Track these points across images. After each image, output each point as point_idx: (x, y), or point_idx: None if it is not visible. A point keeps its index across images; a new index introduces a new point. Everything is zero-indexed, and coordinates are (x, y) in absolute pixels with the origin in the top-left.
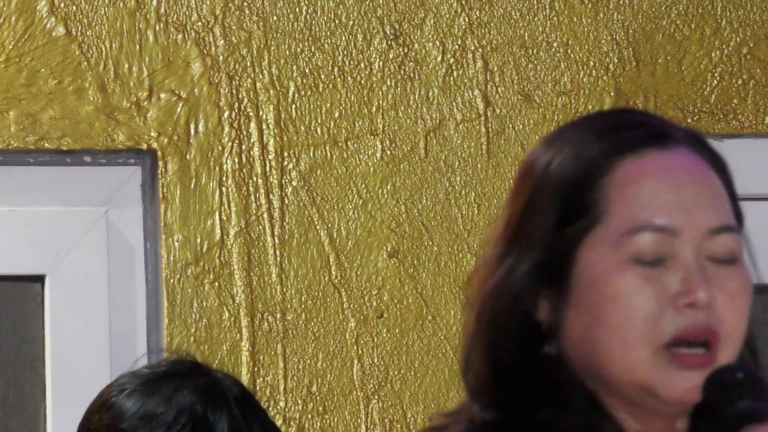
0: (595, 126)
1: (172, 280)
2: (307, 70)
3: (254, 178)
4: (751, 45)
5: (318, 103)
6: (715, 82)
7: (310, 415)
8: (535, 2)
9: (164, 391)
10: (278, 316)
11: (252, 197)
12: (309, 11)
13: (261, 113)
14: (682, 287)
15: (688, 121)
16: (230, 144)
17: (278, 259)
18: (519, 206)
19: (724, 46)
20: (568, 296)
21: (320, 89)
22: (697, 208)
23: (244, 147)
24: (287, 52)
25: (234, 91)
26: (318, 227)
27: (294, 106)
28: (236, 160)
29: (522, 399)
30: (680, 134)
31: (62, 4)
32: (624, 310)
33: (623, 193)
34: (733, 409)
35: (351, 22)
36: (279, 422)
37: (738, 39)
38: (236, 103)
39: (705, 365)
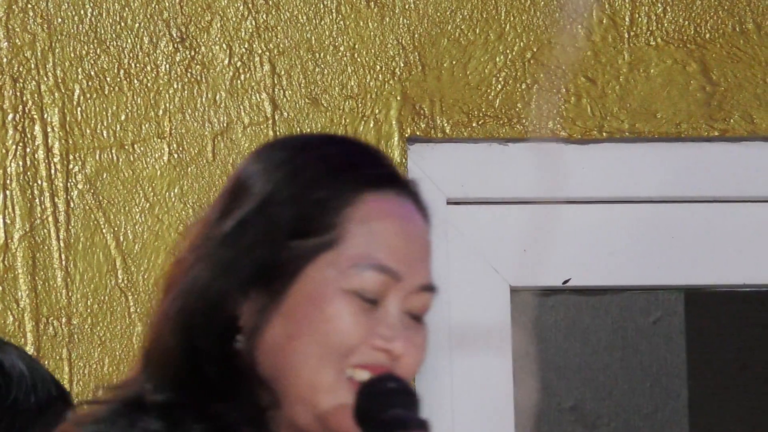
0: (339, 152)
1: None
2: (92, 73)
3: (39, 182)
4: (535, 50)
5: (104, 105)
6: (499, 86)
7: None
8: (322, 6)
9: None
10: (63, 320)
11: (37, 200)
12: (94, 13)
13: (46, 116)
14: (385, 332)
15: (474, 125)
16: (14, 147)
17: (64, 263)
18: (244, 208)
19: (508, 51)
20: (280, 304)
21: (106, 92)
22: (418, 262)
23: (28, 150)
24: (72, 55)
25: (18, 94)
26: (104, 231)
27: (79, 108)
28: (20, 163)
29: (204, 386)
30: (410, 183)
31: None
32: (333, 333)
33: (361, 227)
34: (383, 416)
35: (137, 25)
36: None
37: (522, 44)
38: (20, 106)
39: None
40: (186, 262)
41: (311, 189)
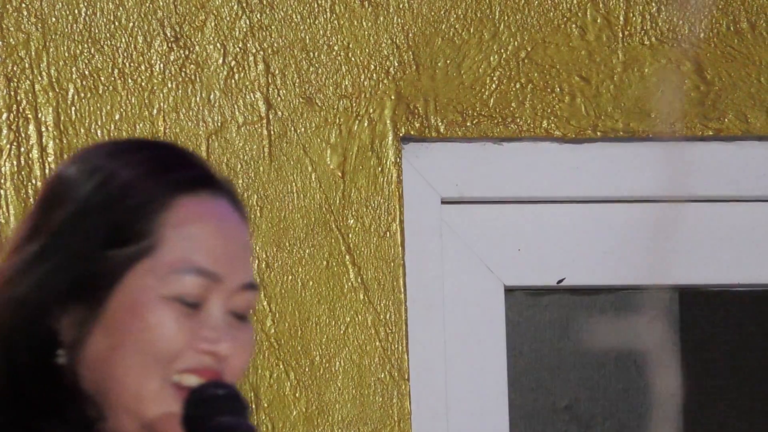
0: (151, 156)
1: None
2: (86, 72)
3: (33, 181)
4: (529, 49)
5: (98, 105)
6: (493, 85)
7: None
8: (316, 5)
9: None
10: None
11: (31, 200)
12: (88, 13)
13: (40, 115)
14: (210, 334)
15: (468, 124)
16: (9, 146)
17: None
18: (57, 219)
19: (502, 51)
20: (99, 315)
21: (100, 91)
22: (238, 261)
23: (23, 149)
24: (66, 54)
25: (12, 93)
26: None
27: (74, 108)
28: (15, 162)
29: (27, 403)
30: (224, 182)
31: None
32: (155, 341)
33: (177, 232)
34: (211, 423)
35: (131, 24)
36: None
37: (516, 43)
38: (15, 105)
39: None
40: (1, 278)
41: (124, 196)
